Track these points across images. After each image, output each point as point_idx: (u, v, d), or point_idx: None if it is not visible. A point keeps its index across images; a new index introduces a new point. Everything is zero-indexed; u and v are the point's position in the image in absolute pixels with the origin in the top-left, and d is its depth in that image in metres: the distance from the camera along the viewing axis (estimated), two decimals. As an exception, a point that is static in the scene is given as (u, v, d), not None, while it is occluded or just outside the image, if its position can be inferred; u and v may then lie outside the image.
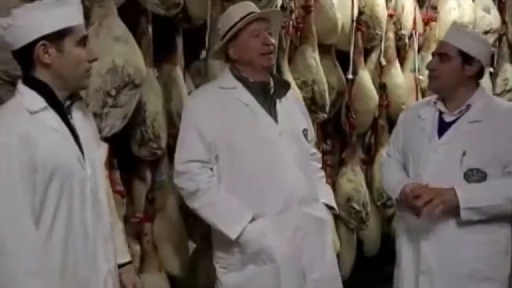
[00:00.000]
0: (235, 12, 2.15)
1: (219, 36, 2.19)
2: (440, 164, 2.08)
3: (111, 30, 2.15)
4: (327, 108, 3.12)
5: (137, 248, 2.44)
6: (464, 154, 2.05)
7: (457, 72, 2.10)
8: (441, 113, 2.15)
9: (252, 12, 2.13)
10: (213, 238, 2.18)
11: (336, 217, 3.31)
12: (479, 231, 2.05)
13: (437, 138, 2.12)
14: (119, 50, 2.14)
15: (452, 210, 2.02)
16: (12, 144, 1.49)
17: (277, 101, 2.15)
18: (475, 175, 2.04)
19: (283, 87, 2.19)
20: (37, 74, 1.59)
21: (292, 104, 2.21)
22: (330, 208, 2.24)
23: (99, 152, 1.70)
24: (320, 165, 2.33)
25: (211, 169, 2.09)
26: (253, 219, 2.05)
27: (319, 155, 2.36)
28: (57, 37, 1.57)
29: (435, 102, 2.17)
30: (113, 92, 2.12)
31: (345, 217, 3.31)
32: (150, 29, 2.47)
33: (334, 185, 3.33)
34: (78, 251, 1.59)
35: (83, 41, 1.61)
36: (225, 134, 2.07)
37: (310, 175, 2.19)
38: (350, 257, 3.37)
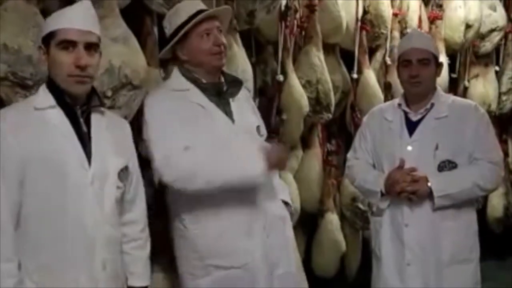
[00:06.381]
0: (183, 11, 2.06)
1: (166, 34, 2.12)
2: (415, 159, 2.24)
3: (109, 30, 2.14)
4: (332, 108, 3.13)
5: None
6: (437, 147, 2.23)
7: (434, 75, 2.32)
8: (406, 113, 2.31)
9: (200, 10, 2.04)
10: (179, 245, 2.09)
11: (342, 217, 3.33)
12: (453, 217, 2.24)
13: (408, 136, 2.28)
14: (116, 50, 2.13)
15: (426, 197, 2.22)
16: (2, 131, 1.56)
17: (231, 100, 2.08)
18: (447, 166, 2.24)
19: (236, 86, 2.13)
20: (49, 74, 1.69)
21: (243, 102, 2.14)
22: (286, 204, 2.19)
23: (115, 161, 1.70)
24: None
25: None
26: None
27: None
28: (46, 40, 1.66)
29: (399, 104, 2.34)
30: (109, 93, 2.10)
31: (351, 217, 3.31)
32: (155, 29, 2.48)
33: (339, 186, 3.34)
34: (68, 250, 1.60)
35: (66, 45, 1.63)
36: (185, 136, 1.95)
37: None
38: (355, 257, 3.39)
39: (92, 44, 1.66)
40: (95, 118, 1.70)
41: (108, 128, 1.72)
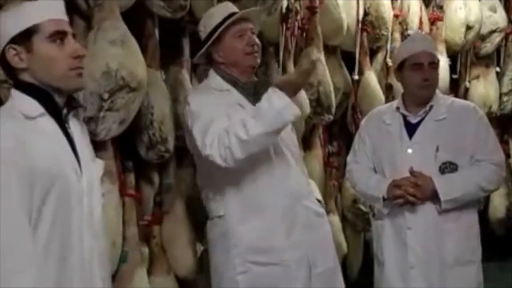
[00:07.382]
0: (217, 13, 2.14)
1: (201, 37, 2.18)
2: (416, 162, 2.24)
3: (107, 33, 2.15)
4: (333, 110, 3.12)
5: (145, 250, 2.45)
6: (437, 149, 2.23)
7: (438, 77, 2.35)
8: (404, 116, 2.31)
9: (233, 13, 2.12)
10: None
11: (343, 219, 3.32)
12: (455, 218, 2.24)
13: (407, 138, 2.28)
14: (113, 53, 2.13)
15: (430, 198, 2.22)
16: (10, 149, 1.38)
17: None
18: (448, 168, 2.24)
19: (266, 87, 2.13)
20: (24, 78, 1.48)
21: None
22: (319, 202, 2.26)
23: (95, 168, 1.58)
24: None
25: None
26: None
27: None
28: (24, 37, 1.45)
29: (397, 107, 2.34)
30: (106, 96, 2.10)
31: (352, 218, 3.31)
32: (156, 32, 2.48)
33: (340, 187, 3.34)
34: (74, 269, 1.47)
35: (56, 38, 1.46)
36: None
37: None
38: (357, 258, 3.40)
39: (74, 34, 1.53)
40: (72, 122, 1.54)
41: (82, 132, 1.59)
